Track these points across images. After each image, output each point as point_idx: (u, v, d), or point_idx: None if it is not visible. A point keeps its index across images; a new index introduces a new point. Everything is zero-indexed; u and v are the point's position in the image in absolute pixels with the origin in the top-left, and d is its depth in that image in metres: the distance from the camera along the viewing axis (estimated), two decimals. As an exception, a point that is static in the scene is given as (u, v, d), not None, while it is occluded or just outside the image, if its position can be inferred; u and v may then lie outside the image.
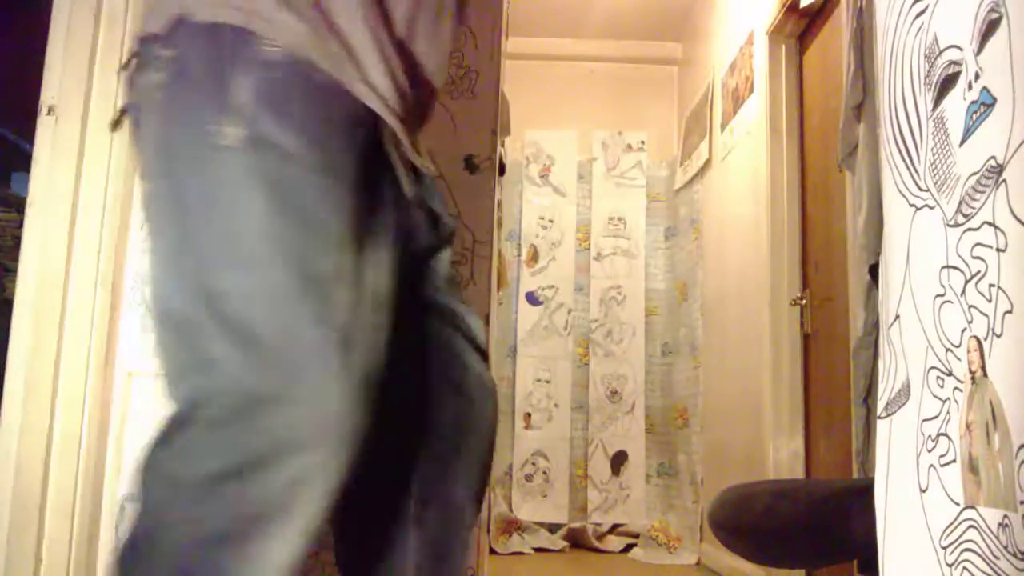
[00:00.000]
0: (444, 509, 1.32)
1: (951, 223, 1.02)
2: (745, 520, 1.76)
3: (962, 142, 1.01)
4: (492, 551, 4.53)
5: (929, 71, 1.09)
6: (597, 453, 5.19)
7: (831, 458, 3.15)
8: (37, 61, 2.20)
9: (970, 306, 0.97)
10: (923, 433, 1.11)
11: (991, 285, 0.93)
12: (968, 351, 0.98)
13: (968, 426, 0.99)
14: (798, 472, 3.39)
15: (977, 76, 0.98)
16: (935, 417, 1.08)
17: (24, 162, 2.23)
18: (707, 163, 4.71)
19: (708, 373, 4.71)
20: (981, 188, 0.95)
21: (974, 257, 0.97)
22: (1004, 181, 0.91)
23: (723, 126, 4.37)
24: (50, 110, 2.18)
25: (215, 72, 1.03)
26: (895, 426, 1.21)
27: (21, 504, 2.06)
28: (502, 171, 2.95)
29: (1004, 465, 0.91)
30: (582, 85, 5.69)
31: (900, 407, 1.20)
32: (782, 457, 3.44)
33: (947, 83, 1.05)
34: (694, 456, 4.81)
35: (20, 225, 2.18)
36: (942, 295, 1.04)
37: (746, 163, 3.96)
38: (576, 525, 5.01)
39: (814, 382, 3.42)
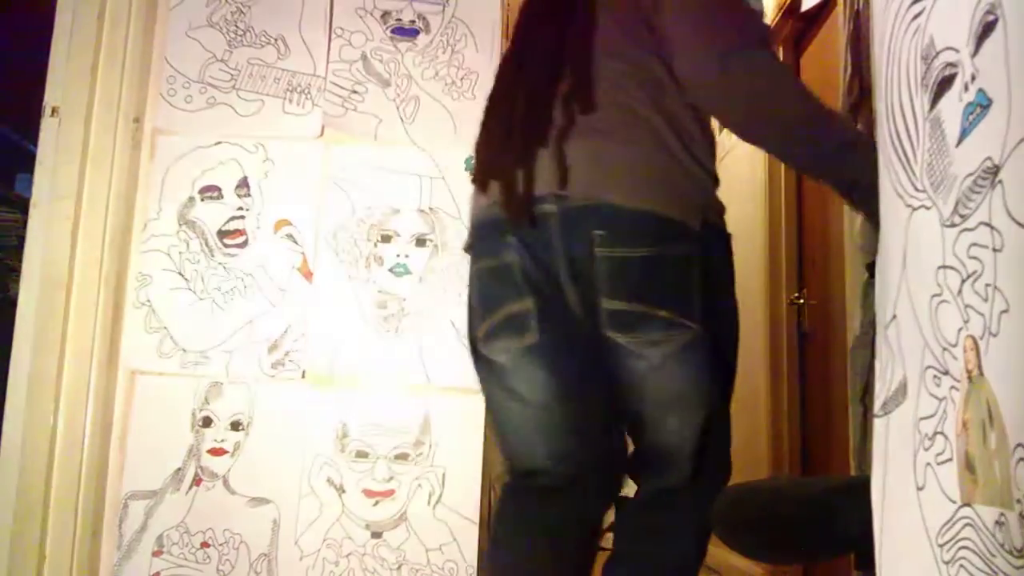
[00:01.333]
0: None
1: (947, 223, 1.03)
2: (743, 517, 1.76)
3: (958, 143, 1.01)
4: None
5: (925, 73, 1.10)
6: (595, 452, 5.17)
7: (828, 457, 3.15)
8: (40, 63, 2.21)
9: (967, 306, 0.98)
10: (920, 431, 1.11)
11: (987, 285, 0.93)
12: (965, 350, 0.99)
13: (964, 425, 0.99)
14: (795, 470, 3.39)
15: (973, 78, 0.98)
16: (932, 416, 1.08)
17: (28, 163, 2.24)
18: (705, 163, 4.70)
19: (706, 372, 4.69)
20: (977, 189, 0.96)
21: (971, 257, 0.97)
22: (1000, 182, 0.91)
23: (721, 127, 4.35)
24: (53, 111, 2.19)
25: (727, 255, 1.82)
26: (892, 425, 1.22)
27: (25, 501, 2.07)
28: (502, 171, 2.95)
29: (1000, 463, 0.91)
30: (580, 85, 5.66)
31: (897, 406, 1.20)
32: (780, 455, 3.44)
33: (943, 85, 1.05)
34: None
35: (24, 225, 2.19)
36: (939, 295, 1.05)
37: (744, 163, 3.96)
38: None
39: (812, 381, 3.42)
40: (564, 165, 1.58)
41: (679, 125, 1.66)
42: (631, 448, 1.78)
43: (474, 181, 1.75)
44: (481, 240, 1.70)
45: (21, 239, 2.20)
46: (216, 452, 2.20)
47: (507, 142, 1.66)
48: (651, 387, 1.65)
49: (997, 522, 0.92)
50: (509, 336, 1.63)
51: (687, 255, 1.63)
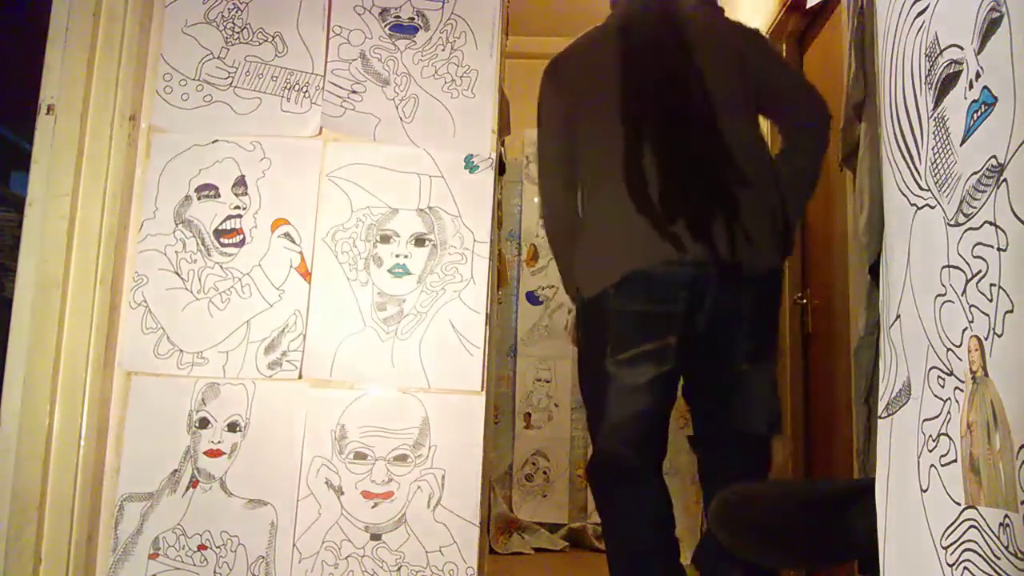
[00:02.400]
0: None
1: (952, 222, 1.02)
2: (745, 520, 1.75)
3: (963, 141, 1.00)
4: (492, 551, 4.52)
5: (930, 70, 1.09)
6: (597, 453, 5.18)
7: (832, 458, 3.15)
8: (36, 60, 2.20)
9: (971, 305, 0.97)
10: (924, 433, 1.11)
11: (992, 284, 0.93)
12: (969, 351, 0.98)
13: (969, 426, 0.98)
14: (799, 472, 3.38)
15: (978, 75, 0.97)
16: (936, 417, 1.08)
17: (23, 161, 2.23)
18: (707, 162, 4.69)
19: (708, 373, 4.69)
20: (982, 187, 0.95)
21: (975, 256, 0.96)
22: (1005, 180, 0.91)
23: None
24: (49, 109, 2.18)
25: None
26: (896, 426, 1.21)
27: (20, 503, 2.06)
28: (502, 170, 2.95)
29: (1005, 465, 0.90)
30: (582, 84, 5.67)
31: (901, 407, 1.20)
32: (783, 457, 3.44)
33: (948, 82, 1.05)
34: (695, 456, 4.79)
35: (19, 224, 2.18)
36: (943, 295, 1.04)
37: (746, 162, 3.95)
38: (576, 525, 5.00)
39: (815, 382, 3.41)
40: (731, 239, 2.15)
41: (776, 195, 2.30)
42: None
43: (621, 241, 2.21)
44: (648, 288, 2.17)
45: (16, 238, 2.19)
46: (213, 454, 2.18)
47: (678, 217, 2.16)
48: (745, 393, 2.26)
49: (1001, 524, 0.91)
50: (649, 364, 2.16)
51: (776, 302, 2.37)
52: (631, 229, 2.17)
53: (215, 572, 2.13)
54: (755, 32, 2.49)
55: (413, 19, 2.37)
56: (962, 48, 1.01)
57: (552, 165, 2.43)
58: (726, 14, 2.49)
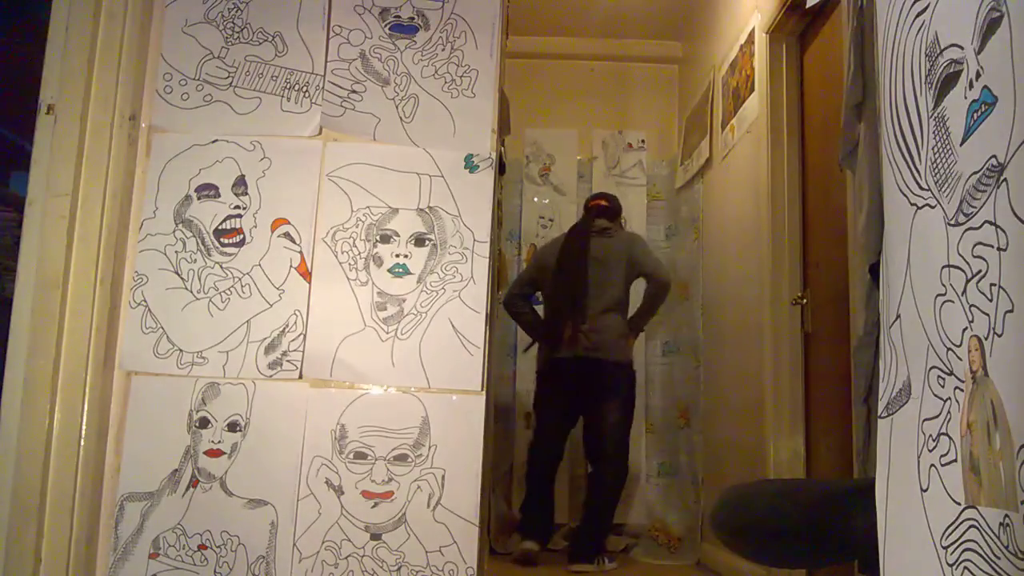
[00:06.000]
0: None
1: (952, 222, 1.02)
2: (746, 520, 1.75)
3: (963, 141, 1.00)
4: (492, 551, 4.53)
5: (930, 70, 1.09)
6: (597, 452, 5.18)
7: (832, 458, 3.15)
8: (36, 60, 2.20)
9: (971, 305, 0.97)
10: (924, 432, 1.11)
11: (992, 284, 0.93)
12: (969, 350, 0.98)
13: (969, 426, 0.98)
14: (799, 472, 3.39)
15: (978, 75, 0.97)
16: (936, 417, 1.08)
17: (23, 161, 2.22)
18: (708, 162, 4.71)
19: (709, 372, 4.71)
20: (982, 187, 0.95)
21: (975, 256, 0.96)
22: (1005, 180, 0.91)
23: (724, 125, 4.37)
24: (49, 109, 2.17)
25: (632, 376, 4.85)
26: (896, 426, 1.21)
27: (20, 503, 2.05)
28: (502, 170, 2.94)
29: (1005, 465, 0.90)
30: (582, 83, 5.69)
31: (901, 407, 1.20)
32: (783, 457, 3.44)
33: (948, 82, 1.05)
34: (695, 456, 4.81)
35: (19, 224, 2.18)
36: (943, 294, 1.04)
37: (747, 162, 3.96)
38: (576, 525, 5.00)
39: (815, 381, 3.42)
40: (590, 339, 4.41)
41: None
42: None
43: (548, 341, 4.58)
44: (556, 366, 4.47)
45: (17, 238, 2.18)
46: (213, 453, 2.18)
47: (566, 325, 4.44)
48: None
49: (1001, 524, 0.91)
50: (557, 404, 4.52)
51: (628, 377, 4.55)
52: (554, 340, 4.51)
53: (215, 572, 2.13)
54: (638, 237, 4.86)
55: (413, 19, 2.36)
56: (962, 48, 1.01)
57: (521, 284, 4.79)
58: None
